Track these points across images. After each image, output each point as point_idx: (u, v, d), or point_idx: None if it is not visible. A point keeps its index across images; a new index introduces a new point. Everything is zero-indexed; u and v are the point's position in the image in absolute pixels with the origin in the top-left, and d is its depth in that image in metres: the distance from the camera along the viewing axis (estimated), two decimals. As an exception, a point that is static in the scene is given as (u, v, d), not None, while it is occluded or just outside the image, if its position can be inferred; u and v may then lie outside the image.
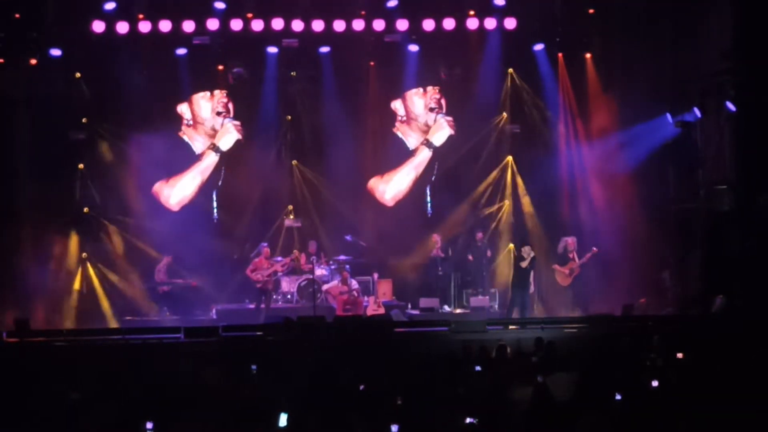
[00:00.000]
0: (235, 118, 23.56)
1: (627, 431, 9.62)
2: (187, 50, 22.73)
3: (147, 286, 22.22)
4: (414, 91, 23.89)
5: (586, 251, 21.50)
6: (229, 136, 23.55)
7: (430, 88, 23.84)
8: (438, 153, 23.88)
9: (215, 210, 23.48)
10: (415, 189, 23.90)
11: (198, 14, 22.24)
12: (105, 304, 22.22)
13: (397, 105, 23.94)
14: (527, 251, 21.16)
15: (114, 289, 22.42)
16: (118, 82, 22.42)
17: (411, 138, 24.01)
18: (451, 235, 23.21)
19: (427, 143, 23.94)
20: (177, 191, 23.33)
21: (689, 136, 22.05)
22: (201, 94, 23.47)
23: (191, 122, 23.50)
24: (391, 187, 23.88)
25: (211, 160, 23.58)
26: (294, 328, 17.92)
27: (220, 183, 23.51)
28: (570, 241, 21.72)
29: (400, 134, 24.00)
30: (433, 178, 23.90)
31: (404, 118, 23.97)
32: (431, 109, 23.87)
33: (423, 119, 23.95)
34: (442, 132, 23.88)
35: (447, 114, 23.85)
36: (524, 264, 21.12)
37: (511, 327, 18.73)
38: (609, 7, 22.48)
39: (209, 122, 23.54)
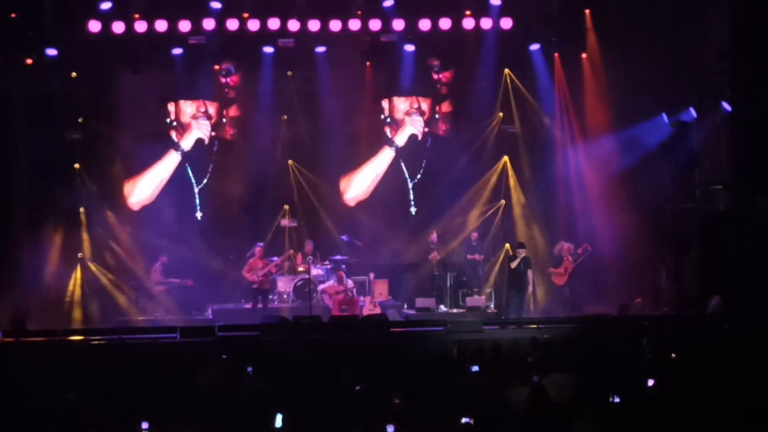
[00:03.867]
0: (231, 117, 23.55)
1: (623, 431, 9.63)
2: (183, 50, 22.72)
3: (143, 285, 22.18)
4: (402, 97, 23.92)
5: (580, 252, 21.51)
6: (192, 134, 23.49)
7: (414, 98, 23.83)
8: (431, 152, 23.86)
9: (198, 208, 23.45)
10: (393, 188, 23.81)
11: (194, 14, 22.22)
12: (101, 303, 22.19)
13: (385, 104, 23.95)
14: (520, 253, 21.16)
15: (110, 289, 22.38)
16: (114, 81, 22.40)
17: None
18: (447, 234, 23.26)
19: (389, 142, 23.93)
20: (137, 191, 23.32)
21: (685, 137, 22.04)
22: (188, 102, 23.48)
23: (173, 122, 23.51)
24: (353, 187, 23.89)
25: (172, 160, 23.51)
26: (290, 328, 17.93)
27: (205, 181, 23.52)
28: (566, 246, 21.72)
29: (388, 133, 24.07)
30: (419, 176, 23.88)
31: (387, 119, 23.97)
32: (409, 114, 23.89)
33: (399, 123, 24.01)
34: (405, 130, 23.90)
35: (442, 117, 23.86)
36: (513, 264, 21.14)
37: (507, 327, 18.73)
38: (605, 7, 22.50)
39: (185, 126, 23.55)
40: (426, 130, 23.97)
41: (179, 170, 23.57)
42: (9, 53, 21.71)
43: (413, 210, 23.93)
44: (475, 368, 12.74)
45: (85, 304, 22.19)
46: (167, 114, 23.50)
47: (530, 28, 23.01)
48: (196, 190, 23.58)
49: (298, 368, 13.33)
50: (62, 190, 22.35)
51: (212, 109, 23.65)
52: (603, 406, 10.27)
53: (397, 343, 16.87)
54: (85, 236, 22.56)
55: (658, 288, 22.34)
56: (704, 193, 21.73)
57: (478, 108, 23.45)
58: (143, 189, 23.34)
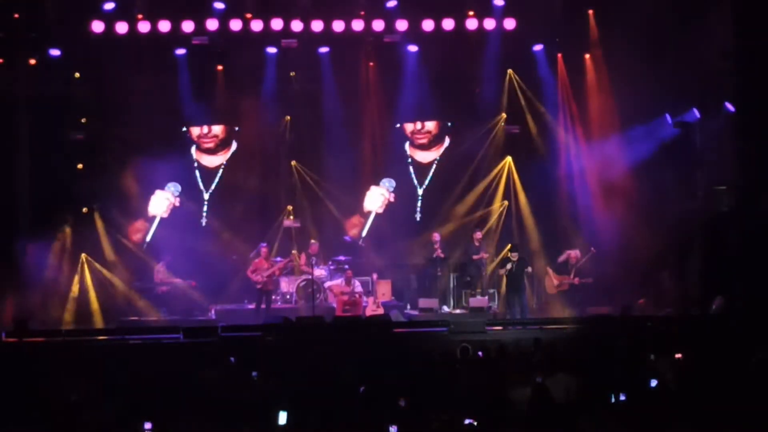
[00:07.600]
0: (235, 118, 23.55)
1: (626, 431, 9.63)
2: (187, 50, 22.73)
3: (146, 286, 22.19)
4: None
5: (584, 255, 21.49)
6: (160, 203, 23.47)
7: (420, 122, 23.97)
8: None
9: (204, 215, 23.52)
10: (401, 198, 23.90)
11: (197, 14, 22.22)
12: (104, 304, 22.19)
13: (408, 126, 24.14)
14: (513, 256, 21.12)
15: (113, 289, 22.38)
16: (117, 82, 22.43)
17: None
18: (450, 235, 23.25)
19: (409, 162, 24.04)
20: (140, 230, 23.36)
21: (689, 137, 22.03)
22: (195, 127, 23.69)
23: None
24: (354, 226, 23.90)
25: (161, 201, 23.46)
26: (293, 328, 17.92)
27: (212, 188, 23.55)
28: (573, 255, 21.67)
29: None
30: (426, 183, 23.91)
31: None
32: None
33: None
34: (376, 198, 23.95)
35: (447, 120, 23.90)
36: (503, 270, 21.15)
37: (510, 327, 18.72)
38: (608, 7, 22.47)
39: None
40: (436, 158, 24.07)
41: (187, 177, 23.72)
42: (12, 53, 21.72)
43: (418, 216, 23.94)
44: (478, 369, 12.77)
45: (87, 304, 22.18)
46: (191, 137, 23.75)
47: (533, 28, 22.97)
48: (206, 196, 23.63)
49: (302, 369, 13.35)
50: (65, 190, 22.35)
51: (218, 129, 23.78)
52: (606, 406, 10.27)
53: (400, 344, 16.88)
54: (87, 236, 22.55)
55: (662, 288, 22.29)
56: (707, 193, 21.70)
57: (481, 109, 23.43)
58: (145, 228, 23.34)
